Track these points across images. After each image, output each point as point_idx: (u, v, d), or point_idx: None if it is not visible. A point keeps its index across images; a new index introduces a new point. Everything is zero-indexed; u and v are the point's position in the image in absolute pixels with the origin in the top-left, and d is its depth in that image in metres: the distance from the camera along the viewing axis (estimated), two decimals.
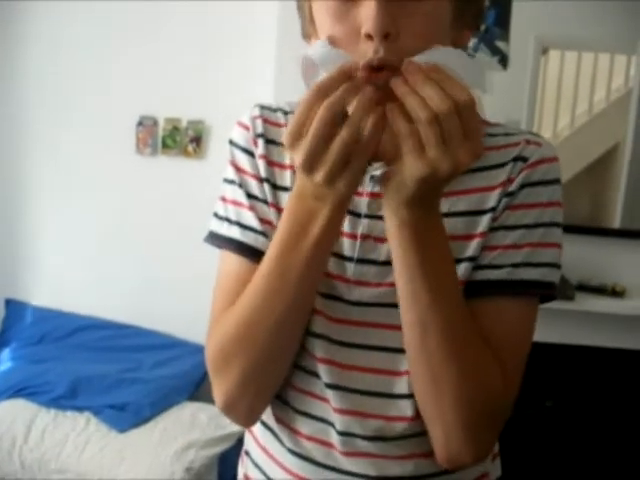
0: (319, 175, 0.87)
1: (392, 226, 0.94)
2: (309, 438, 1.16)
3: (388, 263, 1.05)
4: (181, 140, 3.77)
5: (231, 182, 1.15)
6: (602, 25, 3.41)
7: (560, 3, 3.33)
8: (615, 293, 3.27)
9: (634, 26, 3.42)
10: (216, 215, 1.17)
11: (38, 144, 3.93)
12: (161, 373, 3.60)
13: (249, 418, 1.18)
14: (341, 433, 1.13)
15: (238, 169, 1.14)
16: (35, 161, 3.94)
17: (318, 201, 0.92)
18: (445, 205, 1.07)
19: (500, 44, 3.37)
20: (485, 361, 1.00)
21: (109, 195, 3.91)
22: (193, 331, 3.80)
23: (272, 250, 0.99)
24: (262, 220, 1.12)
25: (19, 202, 3.99)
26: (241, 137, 1.15)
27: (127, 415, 3.27)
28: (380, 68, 0.89)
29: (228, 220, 1.14)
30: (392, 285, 1.04)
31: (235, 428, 3.29)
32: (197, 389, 3.68)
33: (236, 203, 1.14)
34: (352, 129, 0.84)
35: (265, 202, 1.13)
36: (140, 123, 3.79)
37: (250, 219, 1.12)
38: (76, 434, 3.16)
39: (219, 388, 1.10)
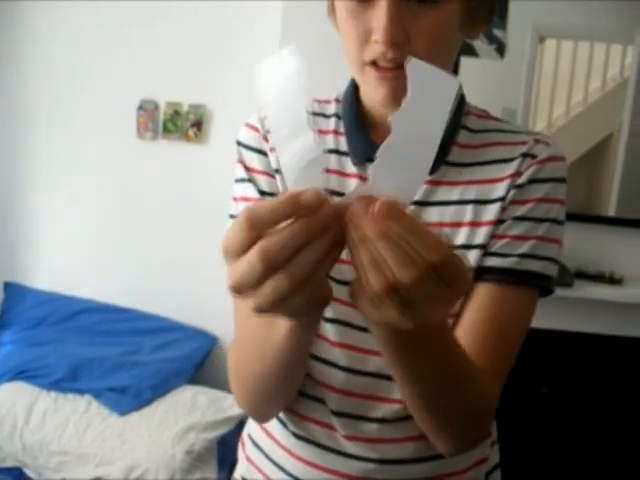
0: (250, 304, 0.70)
1: (373, 334, 0.84)
2: (312, 421, 1.19)
3: None
4: (182, 124, 3.76)
5: (241, 181, 1.18)
6: (598, 15, 3.42)
7: None
8: (613, 281, 3.30)
9: (630, 16, 3.42)
10: (231, 216, 1.21)
11: (38, 129, 3.91)
12: (161, 356, 3.62)
13: (262, 420, 1.22)
14: (339, 415, 1.16)
15: (248, 168, 1.17)
16: (36, 146, 3.93)
17: None
18: (455, 193, 1.11)
19: (498, 32, 3.38)
20: (477, 386, 1.00)
21: (109, 179, 3.91)
22: (193, 314, 3.83)
23: None
24: None
25: (19, 186, 3.98)
26: (250, 138, 1.18)
27: (128, 398, 3.29)
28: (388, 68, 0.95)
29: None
30: None
31: (235, 411, 3.32)
32: (197, 372, 3.71)
33: (247, 199, 1.17)
34: (292, 280, 0.66)
35: (276, 196, 1.14)
36: (141, 107, 3.78)
37: None
38: (77, 417, 3.17)
39: (233, 390, 1.15)
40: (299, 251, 0.65)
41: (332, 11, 1.10)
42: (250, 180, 1.16)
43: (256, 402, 1.13)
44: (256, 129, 1.18)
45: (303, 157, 0.67)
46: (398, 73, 0.98)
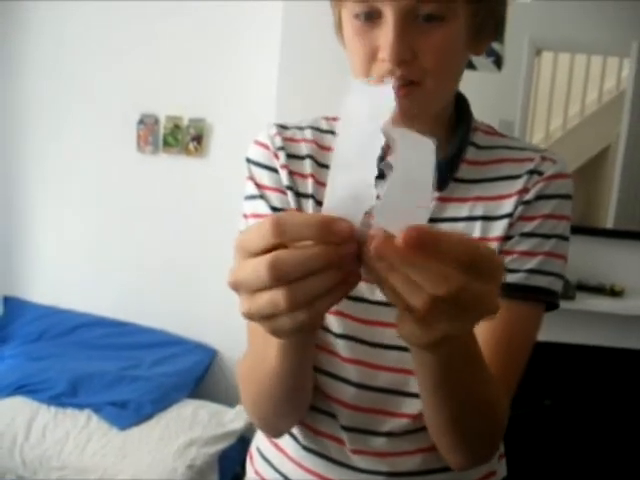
0: (242, 307, 0.69)
1: (416, 362, 0.86)
2: (322, 435, 1.20)
3: None
4: (182, 138, 3.77)
5: (251, 197, 1.18)
6: (595, 27, 3.44)
7: (554, 5, 3.35)
8: (614, 293, 3.31)
9: (627, 28, 3.44)
10: (241, 232, 1.20)
11: (39, 142, 3.92)
12: (161, 370, 3.61)
13: (275, 435, 1.22)
14: (349, 429, 1.17)
15: (258, 185, 1.17)
16: (36, 159, 3.94)
17: None
18: (464, 210, 1.13)
19: (495, 45, 3.39)
20: (495, 397, 1.01)
21: (110, 193, 3.91)
22: (193, 328, 3.83)
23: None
24: None
25: (19, 199, 3.98)
26: (260, 155, 1.18)
27: (128, 412, 3.28)
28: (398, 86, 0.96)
29: None
30: None
31: (236, 426, 3.33)
32: (197, 386, 3.71)
33: (257, 215, 1.16)
34: (289, 301, 0.64)
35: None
36: (141, 121, 3.79)
37: None
38: (77, 431, 3.16)
39: (243, 404, 1.15)
40: (308, 276, 0.64)
41: (339, 29, 1.11)
42: (261, 197, 1.16)
43: (266, 418, 1.13)
44: (266, 146, 1.18)
45: (354, 190, 0.66)
46: (406, 90, 0.99)
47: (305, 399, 1.11)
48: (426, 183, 0.65)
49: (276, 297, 0.64)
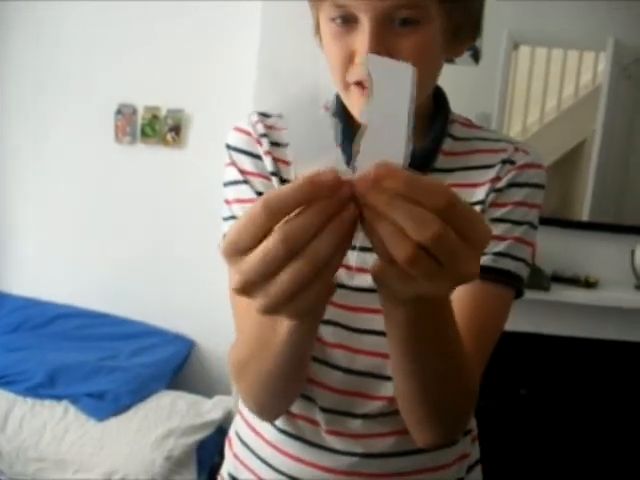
0: (258, 304, 0.68)
1: (388, 320, 0.85)
2: (299, 417, 1.22)
3: None
4: (160, 129, 3.76)
5: (233, 183, 1.19)
6: (572, 22, 3.46)
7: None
8: (588, 284, 3.34)
9: (603, 23, 3.47)
10: (224, 219, 1.20)
11: (16, 132, 3.90)
12: (139, 361, 3.60)
13: (269, 418, 1.21)
14: (326, 411, 1.19)
15: (242, 171, 1.18)
16: (13, 150, 3.92)
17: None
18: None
19: None
20: (468, 371, 1.01)
21: (87, 184, 3.90)
22: (170, 320, 3.83)
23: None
24: None
25: None
26: (241, 141, 1.19)
27: (106, 404, 3.27)
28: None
29: (236, 218, 1.17)
30: None
31: (214, 416, 3.34)
32: (175, 377, 3.71)
33: (241, 201, 1.17)
34: (312, 265, 0.64)
35: None
36: (119, 111, 3.78)
37: None
38: (54, 422, 3.15)
39: (238, 390, 1.14)
40: (317, 237, 0.64)
41: (317, 31, 1.13)
42: (245, 182, 1.17)
43: (262, 401, 1.12)
44: (248, 133, 1.19)
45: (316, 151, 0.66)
46: None
47: (303, 378, 1.11)
48: (402, 113, 0.65)
49: (297, 269, 0.64)
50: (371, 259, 1.13)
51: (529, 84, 3.60)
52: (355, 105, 1.09)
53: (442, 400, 0.99)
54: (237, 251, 0.66)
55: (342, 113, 1.18)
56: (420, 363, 0.90)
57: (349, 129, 1.16)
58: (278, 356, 0.93)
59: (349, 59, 1.04)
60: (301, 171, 0.65)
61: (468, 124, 1.24)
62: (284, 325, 0.85)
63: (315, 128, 0.66)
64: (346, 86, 1.08)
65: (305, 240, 0.63)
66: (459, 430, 1.16)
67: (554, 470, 3.40)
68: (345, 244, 0.66)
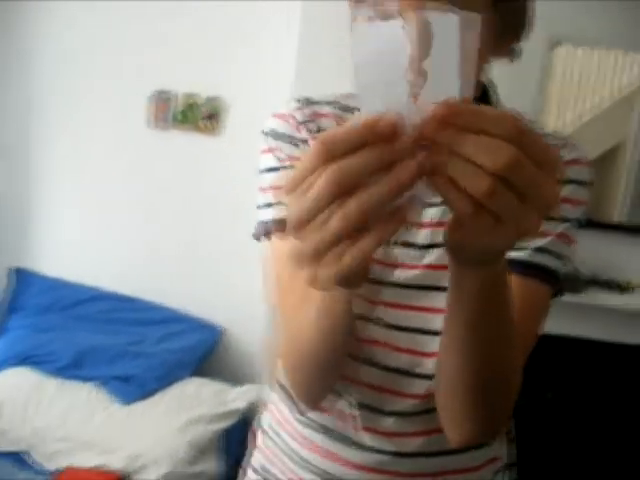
0: (306, 249, 0.66)
1: (457, 291, 0.84)
2: (329, 412, 1.20)
3: (426, 246, 1.11)
4: (196, 116, 3.75)
5: (272, 170, 1.16)
6: (613, 21, 3.42)
7: None
8: (624, 288, 3.30)
9: None
10: (258, 207, 1.18)
11: (52, 115, 3.92)
12: (166, 347, 3.62)
13: (312, 403, 1.19)
14: (358, 407, 1.18)
15: (279, 157, 1.15)
16: (48, 132, 3.93)
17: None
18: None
19: None
20: (516, 361, 0.99)
21: (120, 168, 3.91)
22: (199, 307, 3.83)
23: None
24: None
25: (30, 173, 3.98)
26: (281, 127, 1.17)
27: (132, 388, 3.29)
28: None
29: (273, 205, 1.15)
30: (426, 268, 1.10)
31: (239, 405, 3.34)
32: (202, 364, 3.71)
33: (278, 188, 1.15)
34: (361, 210, 0.62)
35: None
36: (155, 97, 3.77)
37: None
38: (81, 404, 3.18)
39: (285, 375, 1.13)
40: (368, 183, 0.62)
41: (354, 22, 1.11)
42: (285, 168, 1.15)
43: (307, 383, 1.11)
44: (287, 119, 1.17)
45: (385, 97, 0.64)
46: None
47: (343, 360, 1.10)
48: (452, 63, 0.64)
49: (346, 212, 0.62)
50: (407, 254, 1.12)
51: (566, 83, 3.56)
52: None
53: (489, 386, 0.96)
54: (293, 189, 0.65)
55: None
56: (479, 341, 0.88)
57: None
58: (314, 329, 0.93)
59: None
60: (367, 108, 0.64)
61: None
62: (319, 293, 0.85)
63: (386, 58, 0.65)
64: None
65: (354, 183, 0.62)
66: (496, 428, 1.11)
67: (577, 473, 3.37)
68: (398, 197, 0.63)
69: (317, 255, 0.65)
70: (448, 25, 0.64)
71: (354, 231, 0.64)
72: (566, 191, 1.11)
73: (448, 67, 0.65)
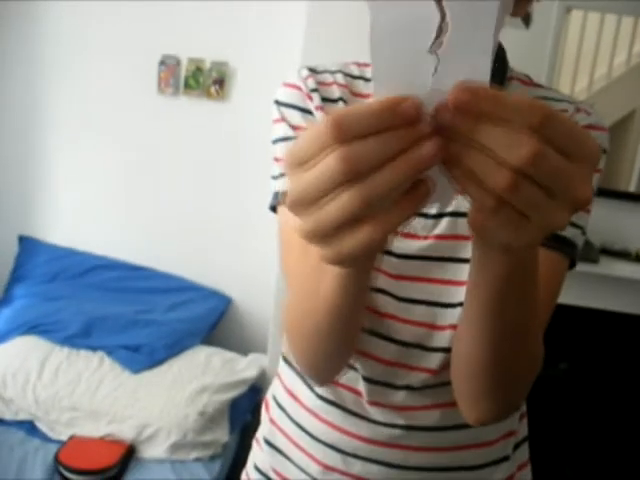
0: (304, 226, 0.61)
1: (481, 273, 0.79)
2: (340, 385, 1.19)
3: (437, 216, 1.08)
4: (204, 81, 3.69)
5: (283, 139, 1.13)
6: None
7: None
8: (638, 258, 3.26)
9: None
10: (274, 177, 1.15)
11: (57, 81, 3.87)
12: (175, 316, 3.60)
13: (323, 381, 1.17)
14: (368, 381, 1.16)
15: (292, 126, 1.12)
16: (56, 99, 3.89)
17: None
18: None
19: None
20: (537, 337, 0.96)
21: (127, 134, 3.86)
22: (208, 275, 3.83)
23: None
24: None
25: (36, 139, 3.94)
26: (292, 96, 1.14)
27: (141, 356, 3.28)
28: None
29: (284, 176, 1.12)
30: (438, 238, 1.08)
31: (248, 374, 3.34)
32: (211, 333, 3.71)
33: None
34: (366, 197, 0.57)
35: None
36: (162, 62, 3.71)
37: None
38: (89, 373, 3.17)
39: (291, 351, 1.10)
40: (382, 168, 0.57)
41: None
42: (297, 137, 1.08)
43: (314, 361, 1.07)
44: (299, 88, 1.14)
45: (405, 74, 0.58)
46: None
47: (357, 337, 1.06)
48: (486, 42, 0.58)
49: (348, 198, 0.57)
50: (418, 224, 1.10)
51: (579, 50, 3.51)
52: None
53: (510, 365, 0.93)
54: (296, 163, 0.60)
55: None
56: (503, 321, 0.84)
57: None
58: (327, 308, 0.88)
59: None
60: (384, 86, 0.59)
61: (528, 82, 1.17)
62: (332, 272, 0.80)
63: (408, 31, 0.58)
64: None
65: (368, 167, 0.57)
66: (515, 405, 1.08)
67: (591, 443, 3.36)
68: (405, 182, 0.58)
69: (321, 236, 0.61)
70: (483, 9, 0.57)
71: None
72: None
73: (479, 44, 0.58)
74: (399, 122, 0.56)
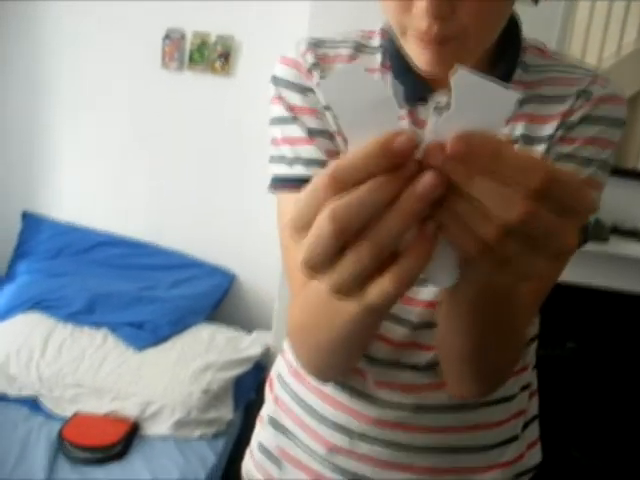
0: (325, 283, 0.60)
1: (455, 296, 0.77)
2: None
3: None
4: (209, 55, 3.64)
5: (282, 121, 1.08)
6: None
7: None
8: None
9: None
10: (272, 159, 1.10)
11: (63, 58, 3.82)
12: (179, 293, 3.59)
13: (325, 381, 1.17)
14: (374, 362, 1.14)
15: (290, 107, 1.07)
16: (56, 74, 3.84)
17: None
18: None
19: None
20: (522, 330, 0.96)
21: (131, 109, 3.83)
22: (212, 252, 3.80)
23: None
24: (328, 152, 1.05)
25: (39, 116, 3.91)
26: (290, 74, 1.09)
27: (145, 333, 3.28)
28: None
29: (285, 159, 1.08)
30: None
31: (252, 352, 3.33)
32: (215, 310, 3.69)
33: (290, 140, 1.07)
34: (373, 252, 0.56)
35: (327, 134, 1.07)
36: (167, 36, 3.65)
37: (313, 152, 1.05)
38: (93, 350, 3.17)
39: (294, 352, 1.10)
40: (381, 214, 0.55)
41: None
42: (295, 119, 1.07)
43: (318, 368, 1.07)
44: (296, 64, 1.09)
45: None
46: (443, 39, 0.88)
47: (365, 350, 1.07)
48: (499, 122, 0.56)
49: (358, 254, 0.56)
50: None
51: (588, 28, 3.47)
52: (413, 53, 0.93)
53: (493, 356, 0.93)
54: (299, 228, 0.58)
55: (396, 54, 1.04)
56: (483, 321, 0.82)
57: (409, 73, 1.03)
58: (340, 333, 0.87)
59: (407, 8, 0.88)
60: (357, 141, 0.56)
61: (543, 51, 1.12)
62: (349, 308, 0.77)
63: (368, 87, 0.56)
64: (403, 31, 0.92)
65: (359, 219, 0.55)
66: (500, 383, 1.06)
67: (599, 422, 3.36)
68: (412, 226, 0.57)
69: (345, 292, 0.60)
70: (504, 99, 0.55)
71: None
72: (594, 130, 1.03)
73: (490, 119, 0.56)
74: (395, 158, 0.54)
